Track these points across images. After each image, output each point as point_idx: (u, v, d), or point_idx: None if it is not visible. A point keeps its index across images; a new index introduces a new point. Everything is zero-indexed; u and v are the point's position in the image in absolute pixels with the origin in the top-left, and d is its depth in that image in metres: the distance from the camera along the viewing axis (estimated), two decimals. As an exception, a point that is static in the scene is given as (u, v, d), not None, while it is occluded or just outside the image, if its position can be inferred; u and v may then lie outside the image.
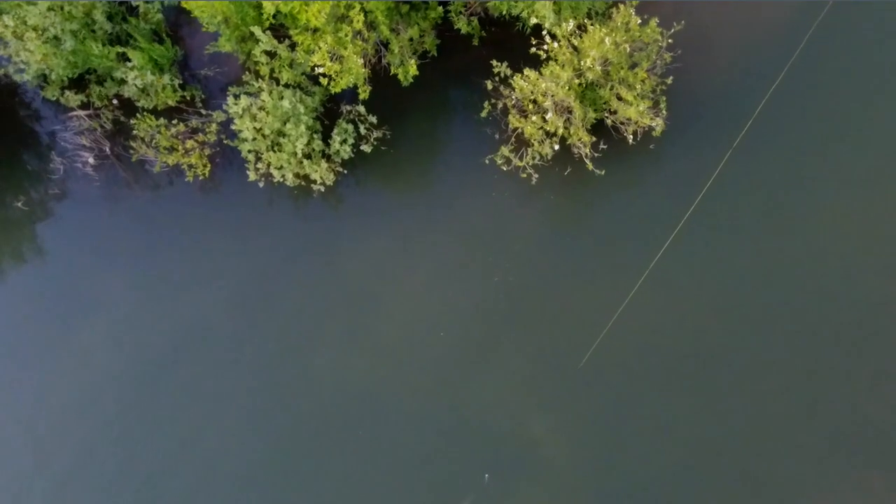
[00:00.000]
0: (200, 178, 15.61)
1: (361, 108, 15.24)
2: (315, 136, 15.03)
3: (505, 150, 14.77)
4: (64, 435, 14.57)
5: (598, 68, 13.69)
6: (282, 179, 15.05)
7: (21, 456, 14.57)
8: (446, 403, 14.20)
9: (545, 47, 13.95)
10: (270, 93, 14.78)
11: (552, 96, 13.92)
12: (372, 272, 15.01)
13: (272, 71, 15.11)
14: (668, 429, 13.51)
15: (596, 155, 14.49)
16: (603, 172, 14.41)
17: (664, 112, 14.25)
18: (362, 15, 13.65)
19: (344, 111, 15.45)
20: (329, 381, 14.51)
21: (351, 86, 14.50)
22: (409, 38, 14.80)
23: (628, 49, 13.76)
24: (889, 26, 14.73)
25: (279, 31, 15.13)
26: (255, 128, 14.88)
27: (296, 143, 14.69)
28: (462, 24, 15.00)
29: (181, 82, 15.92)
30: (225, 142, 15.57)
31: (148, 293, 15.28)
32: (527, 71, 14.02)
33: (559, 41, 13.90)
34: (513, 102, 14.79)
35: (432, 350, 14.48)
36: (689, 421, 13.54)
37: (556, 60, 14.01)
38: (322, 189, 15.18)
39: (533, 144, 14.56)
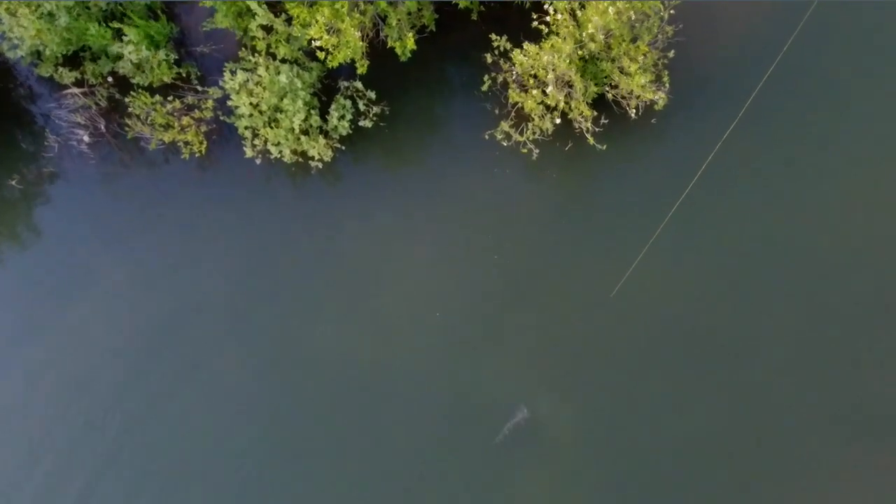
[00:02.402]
0: (197, 155, 15.42)
1: (359, 84, 15.06)
2: (313, 111, 14.85)
3: (505, 126, 14.62)
4: (59, 413, 14.37)
5: (601, 37, 13.48)
6: (279, 156, 14.88)
7: (16, 436, 14.40)
8: (448, 382, 14.00)
9: (547, 19, 13.78)
10: (267, 68, 14.60)
11: (553, 69, 13.75)
12: (372, 249, 14.81)
13: (269, 46, 14.94)
14: (663, 419, 13.41)
15: (597, 130, 14.34)
16: (604, 147, 14.27)
17: (667, 86, 14.10)
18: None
19: (342, 87, 15.26)
20: (329, 356, 14.30)
21: (348, 60, 14.32)
22: (407, 12, 14.61)
23: (633, 16, 13.55)
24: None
25: (276, 6, 14.96)
26: (251, 104, 14.70)
27: (293, 118, 14.51)
28: (461, -1, 14.84)
29: (177, 59, 15.72)
30: (221, 118, 15.39)
31: (145, 270, 15.08)
32: (527, 45, 13.87)
33: (560, 13, 13.73)
34: (513, 77, 14.64)
35: (433, 328, 14.30)
36: (683, 410, 13.45)
37: (557, 34, 13.85)
38: (320, 166, 15.01)
39: (533, 119, 14.41)
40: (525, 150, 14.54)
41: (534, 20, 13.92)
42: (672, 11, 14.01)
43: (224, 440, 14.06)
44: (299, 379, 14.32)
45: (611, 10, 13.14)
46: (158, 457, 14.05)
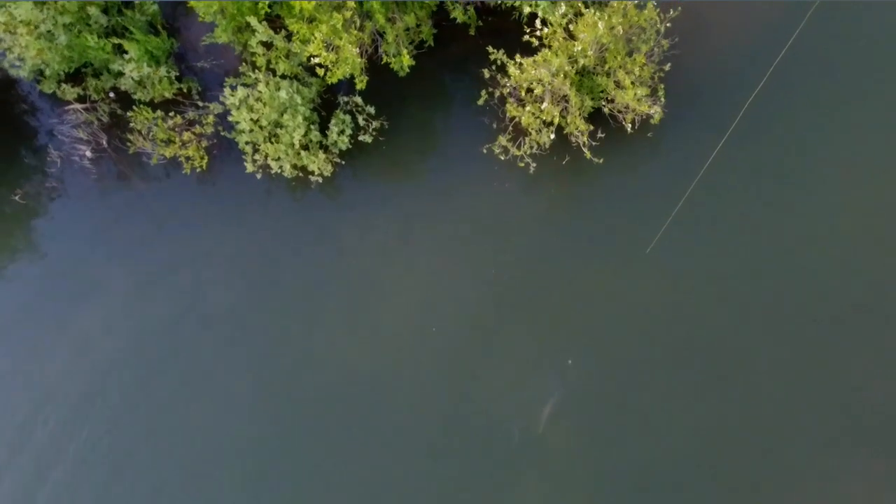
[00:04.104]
0: (198, 170, 15.58)
1: (358, 99, 15.20)
2: (312, 127, 14.99)
3: (502, 140, 14.74)
4: (64, 424, 14.56)
5: (591, 53, 13.59)
6: (279, 171, 15.02)
7: (20, 445, 14.57)
8: (445, 398, 14.16)
9: (538, 33, 13.90)
10: (267, 84, 14.73)
11: (548, 84, 13.86)
12: (372, 261, 14.95)
13: (269, 62, 15.07)
14: (658, 428, 13.54)
15: (594, 144, 14.44)
16: (601, 161, 14.37)
17: (662, 100, 14.20)
18: (356, 4, 13.59)
19: (341, 102, 15.40)
20: (328, 366, 14.45)
21: (347, 76, 14.45)
22: (406, 28, 14.73)
23: (627, 28, 13.62)
24: None
25: (275, 21, 15.08)
26: (252, 119, 14.83)
27: (293, 134, 14.65)
28: (458, 14, 14.93)
29: (178, 74, 15.87)
30: (222, 134, 15.53)
31: (146, 284, 15.24)
32: (518, 58, 13.96)
33: (552, 27, 13.85)
34: (509, 91, 14.75)
35: (431, 342, 14.43)
36: (679, 420, 13.57)
37: (549, 47, 13.95)
38: (320, 180, 15.15)
39: (530, 133, 14.52)
40: (522, 164, 14.65)
41: (526, 33, 14.02)
42: (668, 24, 14.10)
43: (226, 449, 14.22)
44: (299, 388, 14.47)
45: (600, 24, 13.21)
46: (162, 463, 14.22)
